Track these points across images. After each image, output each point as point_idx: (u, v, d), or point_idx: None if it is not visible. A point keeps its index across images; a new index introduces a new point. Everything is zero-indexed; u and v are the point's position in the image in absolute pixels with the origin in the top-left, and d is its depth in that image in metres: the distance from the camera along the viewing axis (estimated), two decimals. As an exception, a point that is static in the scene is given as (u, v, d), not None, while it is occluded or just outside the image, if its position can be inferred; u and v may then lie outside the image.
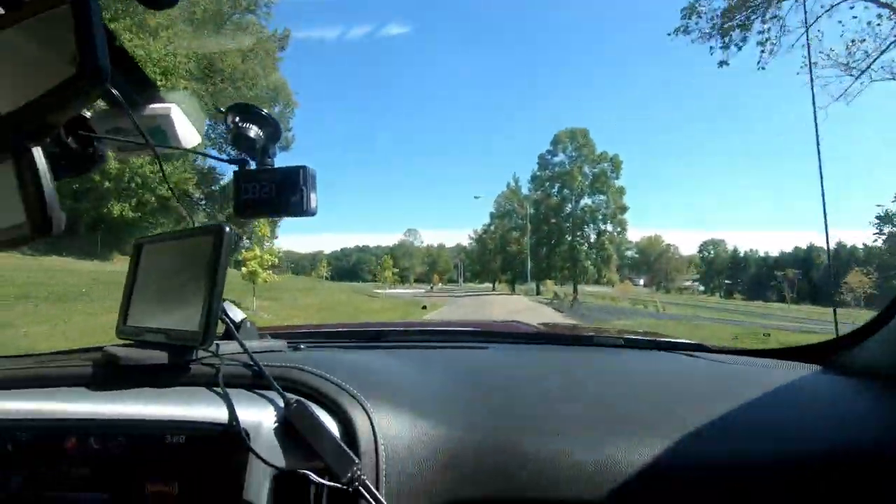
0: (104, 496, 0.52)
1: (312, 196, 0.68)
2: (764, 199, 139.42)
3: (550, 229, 49.31)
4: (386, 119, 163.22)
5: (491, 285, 75.01)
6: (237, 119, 0.67)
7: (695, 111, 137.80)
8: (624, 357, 0.93)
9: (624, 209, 48.11)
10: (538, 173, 50.92)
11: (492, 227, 65.04)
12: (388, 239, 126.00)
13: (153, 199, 21.73)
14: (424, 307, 19.27)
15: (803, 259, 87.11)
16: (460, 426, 0.57)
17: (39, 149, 0.43)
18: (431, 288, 79.39)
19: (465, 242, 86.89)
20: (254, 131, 0.67)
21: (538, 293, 48.26)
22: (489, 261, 67.41)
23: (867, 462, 0.56)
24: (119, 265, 19.05)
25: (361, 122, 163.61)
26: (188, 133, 0.65)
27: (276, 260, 13.40)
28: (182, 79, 19.26)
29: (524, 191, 55.34)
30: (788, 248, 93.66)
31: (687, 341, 0.99)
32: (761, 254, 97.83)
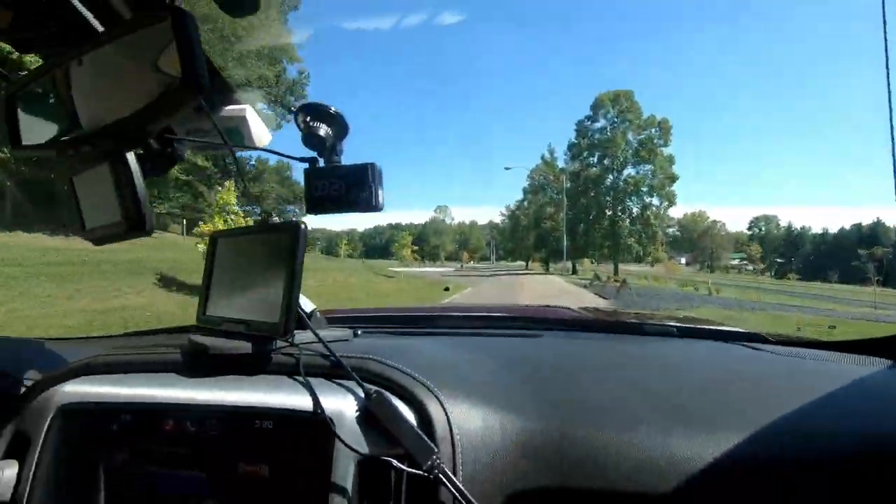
0: (200, 474, 0.58)
1: (380, 192, 0.70)
2: (820, 172, 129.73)
3: (589, 203, 45.09)
4: (417, 93, 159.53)
5: (524, 264, 72.05)
6: (308, 118, 0.70)
7: (744, 76, 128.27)
8: (681, 347, 0.92)
9: (673, 179, 43.19)
10: (576, 141, 46.39)
11: (525, 203, 61.72)
12: (421, 216, 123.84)
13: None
14: (447, 289, 18.05)
15: (868, 236, 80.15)
16: (529, 417, 0.58)
17: (133, 153, 0.48)
18: (461, 266, 77.38)
19: (498, 219, 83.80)
20: (323, 130, 0.69)
21: (574, 272, 44.96)
22: (522, 238, 64.32)
23: None
24: (103, 242, 16.93)
25: (391, 96, 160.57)
26: (261, 132, 0.68)
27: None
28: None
29: (560, 163, 51.40)
30: (846, 225, 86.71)
31: (743, 330, 0.97)
32: (816, 230, 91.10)
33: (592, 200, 44.93)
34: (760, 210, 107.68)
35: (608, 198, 44.52)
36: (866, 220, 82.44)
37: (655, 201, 43.90)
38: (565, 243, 41.39)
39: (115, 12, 0.47)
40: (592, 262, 54.20)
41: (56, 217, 16.88)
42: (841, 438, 0.54)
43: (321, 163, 0.72)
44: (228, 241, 0.72)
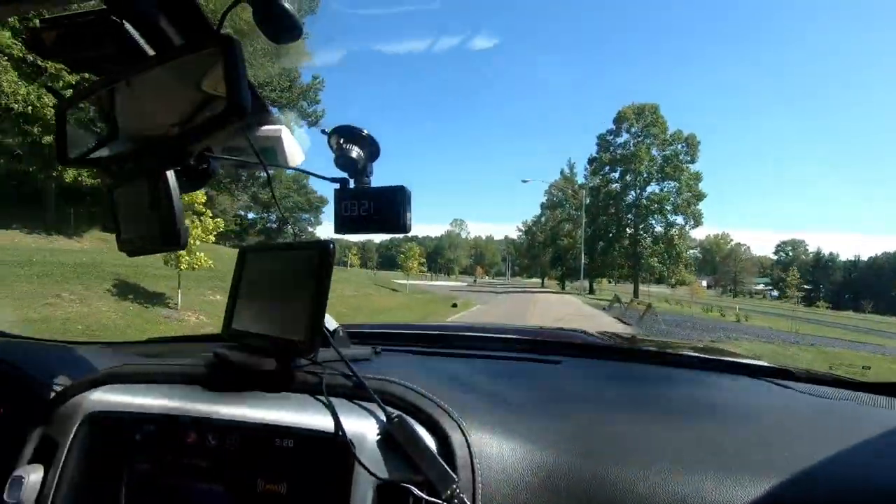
0: (219, 488, 0.58)
1: (408, 215, 0.71)
2: (851, 197, 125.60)
3: (609, 220, 43.25)
4: (438, 108, 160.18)
5: (540, 281, 70.34)
6: (341, 140, 0.71)
7: (772, 94, 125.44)
8: (707, 381, 0.90)
9: (700, 197, 41.00)
10: (597, 156, 44.63)
11: (542, 219, 60.32)
12: (438, 230, 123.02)
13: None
14: (455, 305, 17.42)
15: (904, 265, 76.56)
16: (553, 450, 0.57)
17: (171, 171, 0.50)
18: (475, 281, 76.23)
19: (514, 235, 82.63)
20: (356, 152, 0.71)
21: (591, 292, 43.05)
22: (538, 255, 62.88)
23: None
24: (89, 243, 15.88)
25: (412, 110, 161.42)
26: (295, 152, 0.69)
27: (213, 238, 9.44)
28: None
29: (580, 179, 49.78)
30: (878, 252, 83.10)
31: (769, 365, 0.95)
32: (845, 257, 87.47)
33: (612, 218, 43.07)
34: (786, 235, 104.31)
35: (629, 215, 42.57)
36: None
37: (680, 220, 41.68)
38: (583, 261, 39.53)
39: (166, 37, 0.49)
40: (610, 282, 52.15)
41: (37, 216, 15.84)
42: (872, 486, 0.52)
43: (351, 184, 0.73)
44: (256, 256, 0.72)
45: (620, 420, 0.65)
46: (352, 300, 16.04)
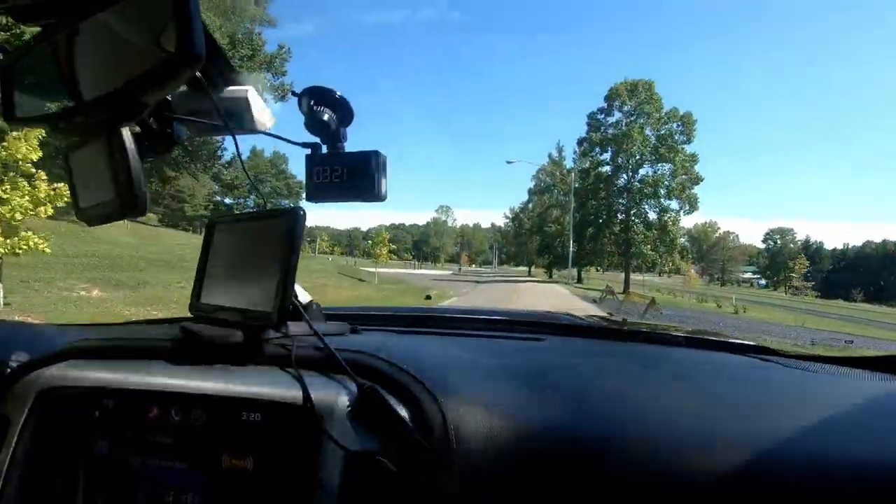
0: (183, 466, 0.57)
1: (383, 182, 0.70)
2: (837, 185, 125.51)
3: (599, 205, 40.81)
4: (424, 92, 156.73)
5: (527, 269, 68.49)
6: (311, 102, 0.70)
7: (757, 78, 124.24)
8: (692, 356, 0.90)
9: (697, 180, 38.54)
10: (587, 136, 41.93)
11: (529, 206, 58.25)
12: (424, 217, 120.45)
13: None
14: (429, 297, 16.38)
15: (891, 255, 76.12)
16: (532, 422, 0.56)
17: (128, 130, 0.47)
18: (459, 269, 74.10)
19: (501, 222, 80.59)
20: (327, 115, 0.69)
21: (579, 280, 40.99)
22: (525, 242, 60.99)
23: None
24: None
25: (398, 94, 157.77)
26: (264, 115, 0.66)
27: (49, 211, 6.58)
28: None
29: (569, 163, 47.26)
30: (869, 240, 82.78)
31: (754, 343, 0.95)
32: (831, 246, 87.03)
33: (603, 202, 40.56)
34: (772, 223, 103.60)
35: (621, 199, 40.14)
36: (890, 237, 78.28)
37: (674, 205, 39.19)
38: (571, 249, 37.34)
39: None
40: (598, 270, 50.27)
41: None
42: (849, 454, 0.51)
43: (324, 149, 0.71)
44: (225, 227, 0.70)
45: (602, 389, 0.64)
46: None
